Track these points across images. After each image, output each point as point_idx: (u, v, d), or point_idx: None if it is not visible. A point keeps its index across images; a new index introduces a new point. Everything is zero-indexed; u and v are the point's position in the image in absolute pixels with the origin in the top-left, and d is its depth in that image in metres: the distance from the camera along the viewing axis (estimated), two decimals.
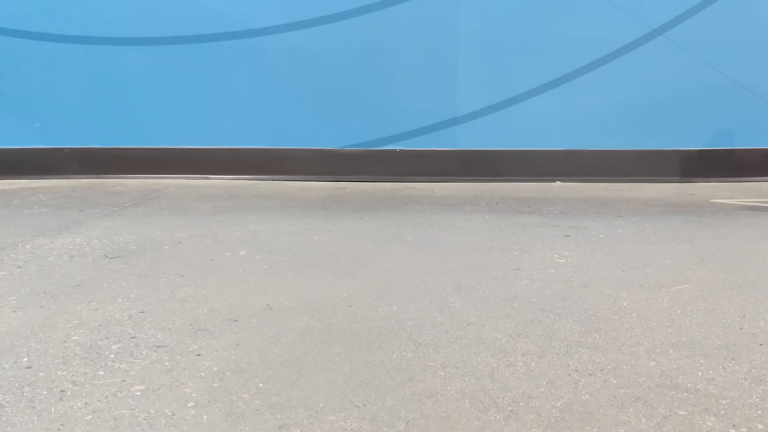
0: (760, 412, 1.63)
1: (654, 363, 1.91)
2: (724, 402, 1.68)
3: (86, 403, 1.67)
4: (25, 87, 5.57)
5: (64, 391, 1.73)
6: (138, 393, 1.72)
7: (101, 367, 1.88)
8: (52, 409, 1.64)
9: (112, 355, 1.96)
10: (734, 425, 1.57)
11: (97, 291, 2.56)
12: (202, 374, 1.83)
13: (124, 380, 1.80)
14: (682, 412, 1.63)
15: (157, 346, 2.03)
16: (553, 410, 1.64)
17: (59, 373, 1.83)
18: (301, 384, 1.78)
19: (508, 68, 5.61)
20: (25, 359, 1.93)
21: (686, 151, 5.62)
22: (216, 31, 5.52)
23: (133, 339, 2.08)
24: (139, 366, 1.89)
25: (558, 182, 5.52)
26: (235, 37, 5.57)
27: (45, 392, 1.73)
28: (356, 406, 1.66)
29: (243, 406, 1.65)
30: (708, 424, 1.57)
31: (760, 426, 1.57)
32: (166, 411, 1.63)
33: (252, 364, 1.90)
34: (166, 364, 1.90)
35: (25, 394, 1.72)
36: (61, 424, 1.56)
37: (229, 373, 1.84)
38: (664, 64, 5.55)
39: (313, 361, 1.92)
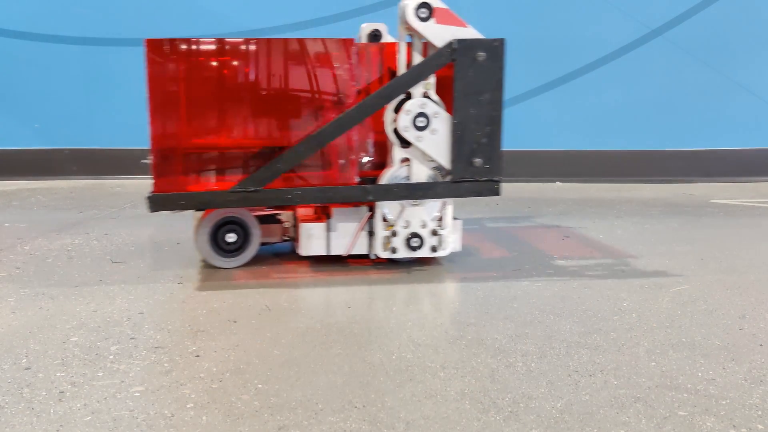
0: (760, 413, 1.63)
1: (654, 363, 1.91)
2: (724, 402, 1.68)
3: (85, 404, 1.66)
4: (25, 88, 5.58)
5: (63, 392, 1.73)
6: (137, 394, 1.72)
7: (100, 368, 1.88)
8: (51, 410, 1.63)
9: (111, 356, 1.96)
10: (734, 426, 1.57)
11: (96, 292, 2.55)
12: (201, 375, 1.83)
13: (123, 381, 1.79)
14: (682, 413, 1.63)
15: (156, 347, 2.02)
16: (553, 411, 1.63)
17: (58, 374, 1.83)
18: (300, 385, 1.77)
19: (507, 68, 5.62)
20: (24, 360, 1.93)
21: (686, 152, 5.62)
22: (215, 32, 5.52)
23: (132, 340, 2.08)
24: (138, 367, 1.88)
25: (558, 182, 5.52)
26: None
27: (44, 393, 1.72)
28: (356, 407, 1.65)
29: (242, 407, 1.65)
30: (708, 424, 1.57)
31: (760, 426, 1.56)
32: (165, 412, 1.63)
33: (251, 365, 1.90)
34: (165, 365, 1.90)
35: (24, 395, 1.72)
36: (60, 425, 1.56)
37: (228, 374, 1.84)
38: (663, 64, 5.55)
39: (313, 362, 1.92)
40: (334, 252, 2.88)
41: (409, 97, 2.75)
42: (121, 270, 2.84)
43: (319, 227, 2.85)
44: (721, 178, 5.53)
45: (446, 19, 2.72)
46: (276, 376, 1.83)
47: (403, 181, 2.78)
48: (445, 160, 2.76)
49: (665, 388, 1.76)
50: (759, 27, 5.56)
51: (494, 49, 2.73)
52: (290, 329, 2.17)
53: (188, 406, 1.66)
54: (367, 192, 2.73)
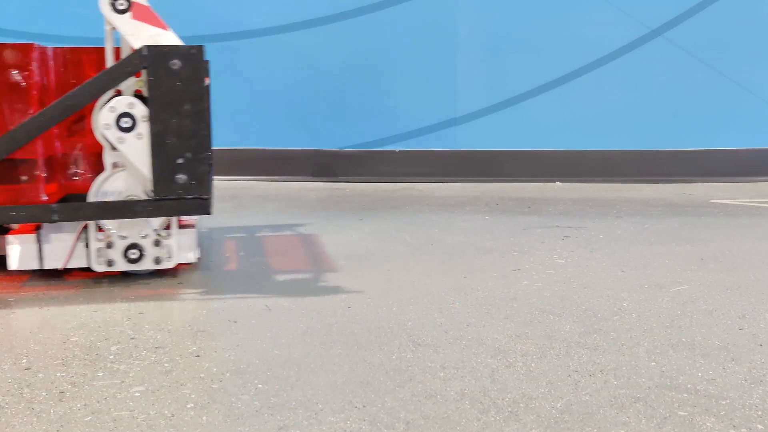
0: (760, 413, 1.63)
1: (654, 363, 1.91)
2: (724, 402, 1.68)
3: (85, 405, 1.66)
4: None
5: (63, 392, 1.73)
6: (137, 394, 1.72)
7: (100, 368, 1.88)
8: (52, 411, 1.63)
9: (112, 357, 1.96)
10: (734, 426, 1.57)
11: (96, 292, 2.55)
12: (202, 375, 1.83)
13: (123, 381, 1.79)
14: (682, 413, 1.63)
15: (156, 347, 2.03)
16: (553, 411, 1.64)
17: (58, 374, 1.83)
18: (300, 385, 1.77)
19: (507, 68, 5.62)
20: (24, 360, 1.93)
21: (686, 152, 5.62)
22: (215, 32, 5.52)
23: (133, 340, 2.08)
24: (139, 367, 1.88)
25: (558, 182, 5.52)
26: (234, 38, 5.57)
27: (44, 393, 1.72)
28: (356, 407, 1.66)
29: (242, 407, 1.65)
30: (708, 424, 1.57)
31: (760, 426, 1.56)
32: (165, 412, 1.63)
33: (251, 365, 1.90)
34: (166, 365, 1.90)
35: (24, 395, 1.72)
36: (61, 425, 1.56)
37: (228, 374, 1.84)
38: (663, 64, 5.55)
39: (313, 362, 1.92)
40: (49, 265, 2.61)
41: (119, 94, 2.50)
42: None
43: (27, 238, 2.58)
44: (721, 178, 5.53)
45: (145, 17, 2.50)
46: (276, 376, 1.83)
47: (110, 196, 2.53)
48: (149, 171, 2.47)
49: (665, 388, 1.76)
50: (759, 27, 5.55)
51: (192, 57, 2.45)
52: (290, 329, 2.17)
53: (188, 406, 1.66)
54: (51, 211, 2.42)
